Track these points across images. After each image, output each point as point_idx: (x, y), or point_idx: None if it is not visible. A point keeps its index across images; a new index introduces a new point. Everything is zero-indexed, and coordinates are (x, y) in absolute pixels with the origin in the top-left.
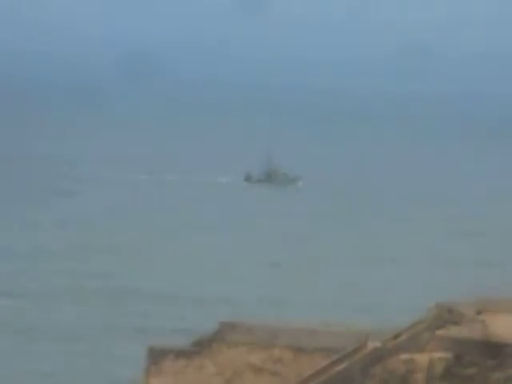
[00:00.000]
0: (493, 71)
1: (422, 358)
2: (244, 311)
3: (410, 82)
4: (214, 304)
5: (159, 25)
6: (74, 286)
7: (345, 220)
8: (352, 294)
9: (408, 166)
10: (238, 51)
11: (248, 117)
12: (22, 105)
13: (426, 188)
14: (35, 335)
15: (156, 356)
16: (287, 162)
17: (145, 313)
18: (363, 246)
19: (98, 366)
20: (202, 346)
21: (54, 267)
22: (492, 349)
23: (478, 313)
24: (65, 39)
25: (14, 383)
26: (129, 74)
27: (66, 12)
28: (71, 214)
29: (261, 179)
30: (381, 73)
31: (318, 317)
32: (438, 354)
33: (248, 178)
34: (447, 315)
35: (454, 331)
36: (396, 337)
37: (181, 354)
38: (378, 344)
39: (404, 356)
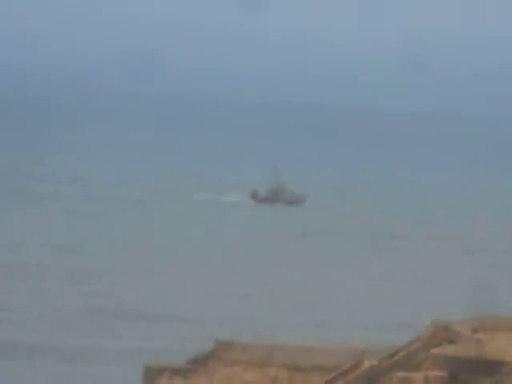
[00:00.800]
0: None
1: (417, 377)
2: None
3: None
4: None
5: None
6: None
7: (350, 241)
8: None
9: (415, 183)
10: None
11: (255, 134)
12: None
13: (433, 206)
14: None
15: (152, 375)
16: (294, 180)
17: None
18: (370, 266)
19: None
20: (197, 365)
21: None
22: (488, 367)
23: (474, 331)
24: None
25: None
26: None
27: None
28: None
29: (267, 197)
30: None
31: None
32: (433, 373)
33: (254, 196)
34: (443, 333)
35: (449, 350)
36: (392, 355)
37: (177, 372)
38: (374, 362)
39: (400, 374)
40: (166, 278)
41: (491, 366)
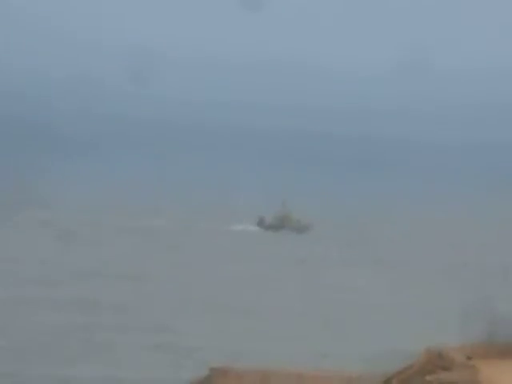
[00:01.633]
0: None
1: None
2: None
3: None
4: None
5: None
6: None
7: (354, 269)
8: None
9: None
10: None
11: (265, 163)
12: None
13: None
14: None
15: None
16: (301, 208)
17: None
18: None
19: None
20: None
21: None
22: None
23: (469, 358)
24: None
25: None
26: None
27: None
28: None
29: (273, 224)
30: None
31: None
32: None
33: (260, 223)
34: (437, 360)
35: (444, 376)
36: (386, 382)
37: None
38: None
39: None
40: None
41: None
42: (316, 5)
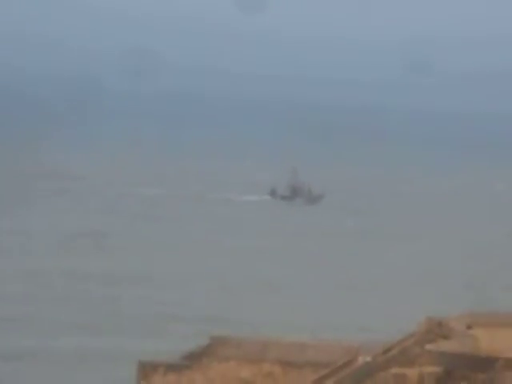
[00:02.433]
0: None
1: (412, 373)
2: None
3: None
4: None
5: None
6: None
7: (363, 241)
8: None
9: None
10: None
11: (277, 132)
12: None
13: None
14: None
15: (146, 371)
16: (312, 179)
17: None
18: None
19: None
20: (192, 361)
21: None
22: (482, 363)
23: (469, 327)
24: None
25: None
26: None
27: None
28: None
29: (285, 195)
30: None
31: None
32: (428, 369)
33: (272, 194)
34: (437, 329)
35: (444, 345)
36: (386, 351)
37: (171, 368)
38: (368, 358)
39: (394, 370)
40: (181, 276)
41: (486, 362)
42: None
